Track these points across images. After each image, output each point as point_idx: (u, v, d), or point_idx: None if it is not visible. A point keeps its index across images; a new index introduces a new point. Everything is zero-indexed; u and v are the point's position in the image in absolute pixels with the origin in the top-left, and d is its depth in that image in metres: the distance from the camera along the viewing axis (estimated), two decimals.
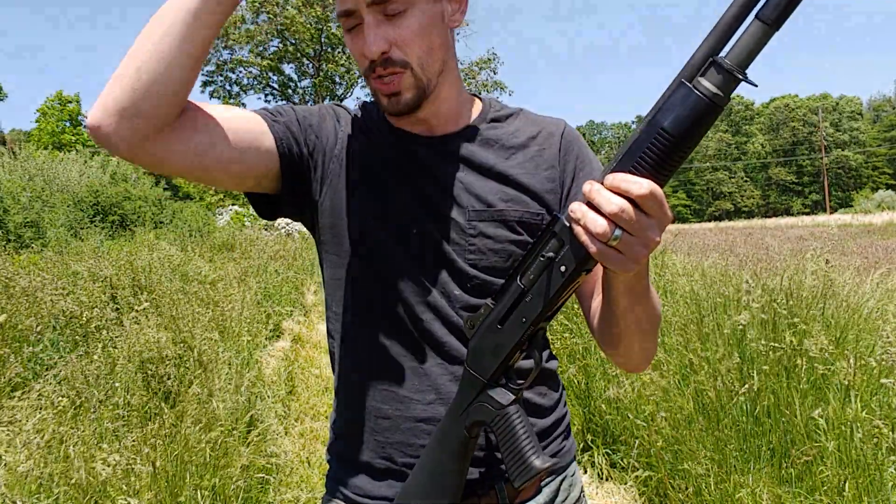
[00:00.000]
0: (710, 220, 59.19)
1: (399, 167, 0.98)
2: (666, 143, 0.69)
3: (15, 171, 16.47)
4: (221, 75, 31.38)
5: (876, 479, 2.30)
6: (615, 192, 0.69)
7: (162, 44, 0.78)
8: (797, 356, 2.83)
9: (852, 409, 2.51)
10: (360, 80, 29.96)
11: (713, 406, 2.97)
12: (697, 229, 25.93)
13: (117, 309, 5.24)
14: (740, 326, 3.26)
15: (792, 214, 60.40)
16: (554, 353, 1.10)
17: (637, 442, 3.31)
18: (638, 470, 3.27)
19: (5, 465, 2.60)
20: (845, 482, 2.36)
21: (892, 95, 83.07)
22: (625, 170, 0.71)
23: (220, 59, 30.74)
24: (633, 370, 0.99)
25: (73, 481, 2.46)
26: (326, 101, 0.90)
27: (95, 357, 3.86)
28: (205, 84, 31.66)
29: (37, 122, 40.15)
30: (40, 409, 3.12)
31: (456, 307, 0.96)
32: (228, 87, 31.79)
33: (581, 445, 3.89)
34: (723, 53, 0.68)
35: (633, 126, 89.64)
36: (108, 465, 2.57)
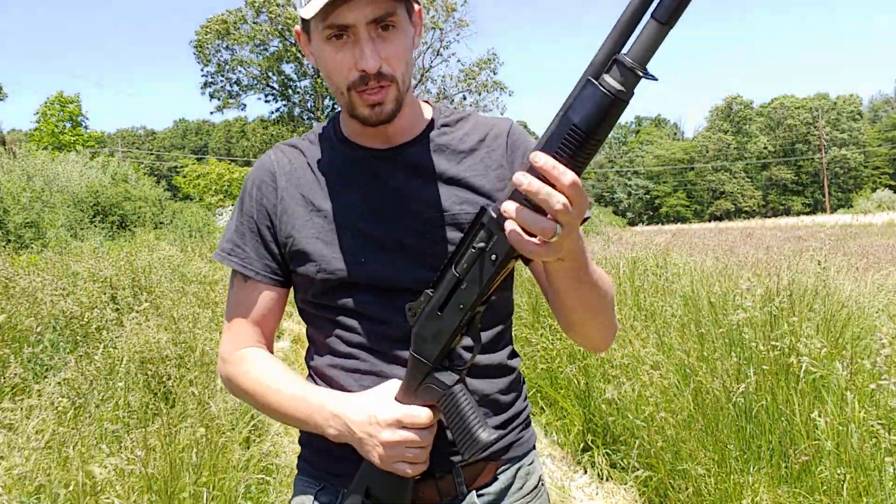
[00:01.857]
0: (710, 220, 59.16)
1: (356, 181, 1.05)
2: (577, 138, 0.74)
3: (14, 171, 16.45)
4: (222, 75, 31.39)
5: (875, 480, 2.30)
6: (543, 180, 0.73)
7: (280, 420, 1.07)
8: (795, 356, 2.83)
9: (850, 409, 2.51)
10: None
11: (713, 406, 2.97)
12: (697, 229, 25.90)
13: (117, 309, 5.24)
14: (735, 326, 3.26)
15: (792, 214, 60.39)
16: (517, 351, 1.17)
17: (637, 442, 3.31)
18: (638, 470, 3.27)
19: (5, 466, 2.60)
20: (844, 482, 2.36)
21: (893, 95, 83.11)
22: (543, 147, 0.75)
23: (221, 59, 30.74)
24: (595, 349, 1.07)
25: (72, 483, 2.46)
26: (251, 180, 1.03)
27: (95, 358, 3.86)
28: (205, 84, 31.68)
29: (37, 122, 40.14)
30: (40, 409, 3.12)
31: None
32: (229, 88, 31.81)
33: (581, 445, 3.89)
34: (624, 51, 0.73)
35: (633, 126, 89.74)
36: (108, 466, 2.57)
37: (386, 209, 1.03)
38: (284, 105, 32.91)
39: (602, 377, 3.92)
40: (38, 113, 39.93)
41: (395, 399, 0.95)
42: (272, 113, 33.68)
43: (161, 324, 4.70)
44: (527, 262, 0.96)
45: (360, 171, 1.05)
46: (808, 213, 59.16)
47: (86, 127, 41.92)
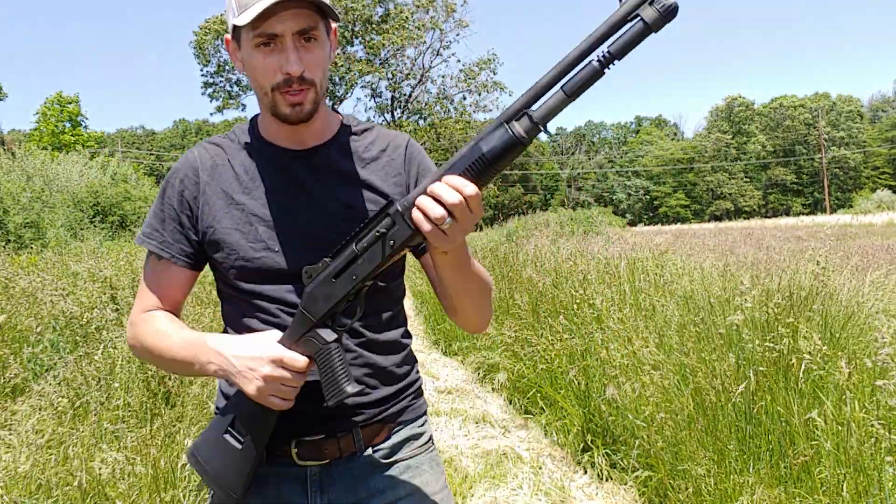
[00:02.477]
0: (710, 221, 59.17)
1: (273, 180, 1.19)
2: (482, 163, 0.94)
3: (13, 171, 16.44)
4: (221, 76, 31.40)
5: (874, 480, 2.30)
6: (452, 189, 0.93)
7: (171, 367, 1.20)
8: (794, 357, 2.83)
9: (849, 409, 2.51)
10: (359, 81, 29.96)
11: (712, 406, 2.98)
12: (697, 229, 25.92)
13: (117, 309, 5.24)
14: (735, 327, 3.26)
15: (792, 214, 60.35)
16: (410, 332, 1.33)
17: (637, 442, 3.31)
18: (638, 470, 3.27)
19: (5, 465, 2.60)
20: (843, 482, 2.36)
21: (892, 95, 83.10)
22: (454, 166, 0.96)
23: (221, 59, 30.75)
24: (474, 331, 1.26)
25: (71, 482, 2.46)
26: (174, 175, 1.23)
27: (95, 358, 3.86)
28: (205, 85, 31.69)
29: (37, 122, 40.12)
30: (40, 409, 3.13)
31: None
32: (228, 88, 31.81)
33: (581, 446, 3.89)
34: (534, 107, 0.93)
35: (633, 126, 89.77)
36: (107, 466, 2.57)
37: (297, 204, 1.18)
38: None
39: (602, 377, 3.92)
40: (37, 113, 39.93)
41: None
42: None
43: None
44: (417, 254, 1.22)
45: (274, 169, 1.20)
46: (807, 214, 59.14)
47: (85, 127, 41.93)
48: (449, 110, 30.86)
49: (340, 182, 1.20)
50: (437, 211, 0.94)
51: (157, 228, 1.20)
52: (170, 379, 3.71)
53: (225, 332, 1.25)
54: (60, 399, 3.21)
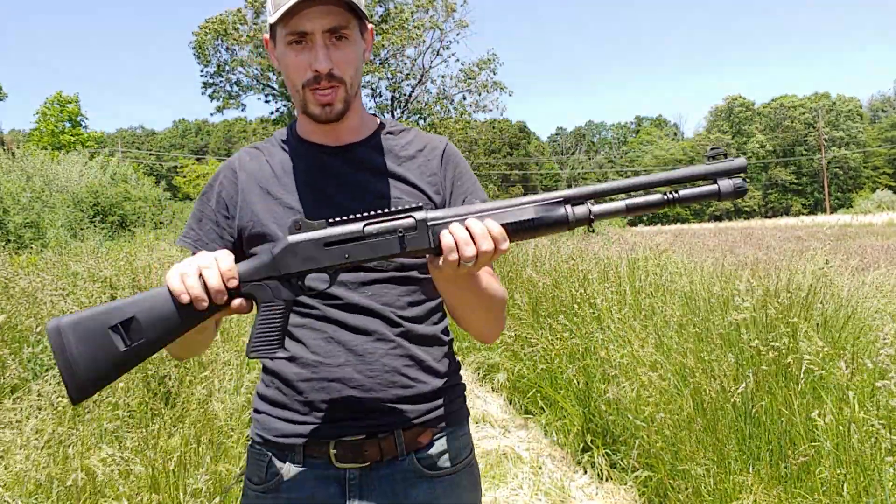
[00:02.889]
0: (709, 221, 59.12)
1: (308, 174, 1.21)
2: (528, 224, 1.00)
3: (12, 171, 16.44)
4: (222, 76, 31.38)
5: (874, 480, 2.30)
6: (490, 237, 0.97)
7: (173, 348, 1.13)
8: (794, 356, 2.83)
9: (850, 409, 2.50)
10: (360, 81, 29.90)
11: (712, 406, 2.97)
12: (697, 229, 25.92)
13: None
14: (734, 326, 3.26)
15: (792, 214, 60.31)
16: (450, 332, 1.29)
17: (637, 442, 3.30)
18: (638, 470, 3.27)
19: (5, 465, 2.60)
20: (844, 482, 2.36)
21: (892, 95, 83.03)
22: (500, 213, 1.01)
23: (221, 59, 30.74)
24: (485, 342, 1.25)
25: (71, 482, 2.46)
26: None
27: None
28: (205, 85, 31.68)
29: (36, 122, 40.12)
30: (40, 409, 3.12)
31: (358, 291, 1.17)
32: (228, 88, 31.80)
33: (581, 446, 3.89)
34: (595, 207, 1.01)
35: (632, 126, 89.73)
36: (107, 466, 2.57)
37: (332, 196, 1.18)
38: (284, 105, 32.88)
39: (602, 377, 3.91)
40: (37, 113, 39.91)
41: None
42: (272, 113, 33.66)
43: None
44: (418, 265, 1.19)
45: (310, 164, 1.22)
46: (807, 214, 59.12)
47: (85, 127, 41.92)
48: (449, 110, 30.85)
49: (375, 176, 1.21)
50: (468, 251, 0.96)
51: (192, 227, 1.24)
52: (170, 379, 3.71)
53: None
54: (60, 399, 3.20)
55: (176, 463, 2.73)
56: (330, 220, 1.02)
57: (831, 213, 53.04)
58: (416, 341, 1.19)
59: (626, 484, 3.37)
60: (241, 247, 1.22)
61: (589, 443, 3.79)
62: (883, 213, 35.40)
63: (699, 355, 3.28)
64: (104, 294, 5.67)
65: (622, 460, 3.50)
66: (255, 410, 1.24)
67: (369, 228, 1.00)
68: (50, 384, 3.42)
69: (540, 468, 3.76)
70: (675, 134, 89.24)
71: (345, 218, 1.02)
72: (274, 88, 32.29)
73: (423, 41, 29.58)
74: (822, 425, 2.52)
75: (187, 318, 0.98)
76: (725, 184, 0.99)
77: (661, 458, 3.07)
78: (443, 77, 31.60)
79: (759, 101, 78.77)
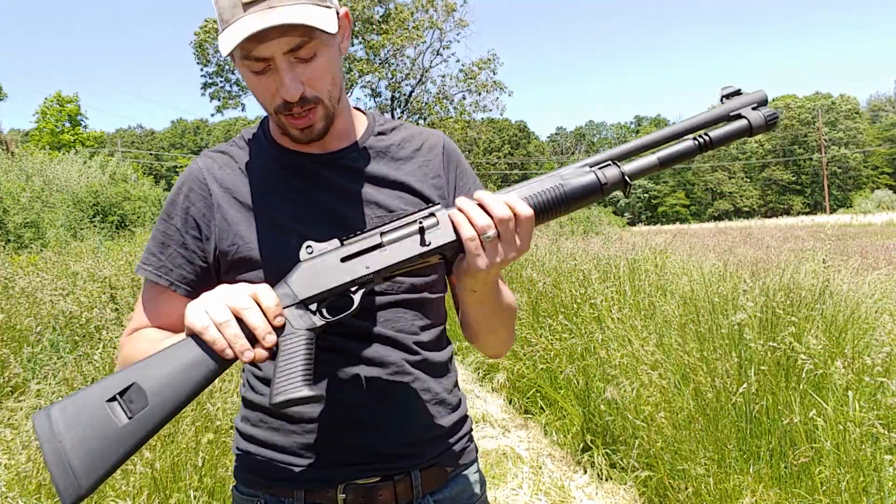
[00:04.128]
0: (709, 221, 59.14)
1: (294, 185, 1.04)
2: (558, 194, 0.91)
3: (11, 170, 16.43)
4: (221, 76, 31.38)
5: (874, 480, 2.30)
6: (504, 203, 0.86)
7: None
8: (795, 356, 2.83)
9: (850, 409, 2.51)
10: (359, 80, 29.94)
11: (712, 406, 2.97)
12: (697, 229, 25.92)
13: (116, 309, 5.23)
14: (736, 326, 3.26)
15: (791, 214, 60.33)
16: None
17: (637, 442, 3.31)
18: (638, 470, 3.27)
19: (5, 465, 2.60)
20: (843, 482, 2.36)
21: (892, 95, 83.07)
22: (521, 195, 0.91)
23: (221, 60, 30.73)
24: (494, 357, 1.15)
25: None
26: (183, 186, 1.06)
27: (95, 357, 3.86)
28: (205, 86, 31.68)
29: (36, 122, 40.11)
30: (40, 409, 3.12)
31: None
32: (228, 88, 31.79)
33: (581, 445, 3.89)
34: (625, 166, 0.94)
35: (632, 126, 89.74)
36: None
37: (331, 212, 1.03)
38: None
39: (601, 378, 3.91)
40: (37, 113, 39.91)
41: None
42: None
43: None
44: (449, 271, 1.08)
45: (299, 175, 1.05)
46: (807, 213, 59.15)
47: (85, 126, 41.91)
48: (449, 110, 30.85)
49: (373, 184, 1.06)
50: (482, 219, 0.86)
51: (154, 253, 1.05)
52: None
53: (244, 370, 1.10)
54: (61, 399, 3.20)
55: (176, 463, 2.73)
56: (343, 239, 0.92)
57: (831, 212, 53.06)
58: (433, 372, 1.08)
59: (626, 484, 3.37)
60: (216, 272, 1.05)
61: (589, 442, 3.79)
62: (883, 212, 35.43)
63: (702, 354, 3.29)
64: (104, 293, 5.67)
65: (622, 460, 3.50)
66: (239, 450, 1.08)
67: (388, 236, 0.90)
68: (50, 384, 3.43)
69: (540, 468, 3.76)
70: None
71: (358, 232, 0.92)
72: None
73: (423, 41, 29.57)
74: (822, 425, 2.53)
75: (210, 372, 0.82)
76: (755, 116, 0.93)
77: (661, 457, 3.07)
78: (443, 77, 31.58)
79: None
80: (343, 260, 0.90)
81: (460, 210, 0.88)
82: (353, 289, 0.90)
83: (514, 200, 0.87)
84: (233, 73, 31.37)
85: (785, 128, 72.25)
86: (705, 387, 3.03)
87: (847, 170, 71.90)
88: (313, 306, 0.89)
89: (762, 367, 2.90)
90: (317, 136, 1.00)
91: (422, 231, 0.89)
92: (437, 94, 31.15)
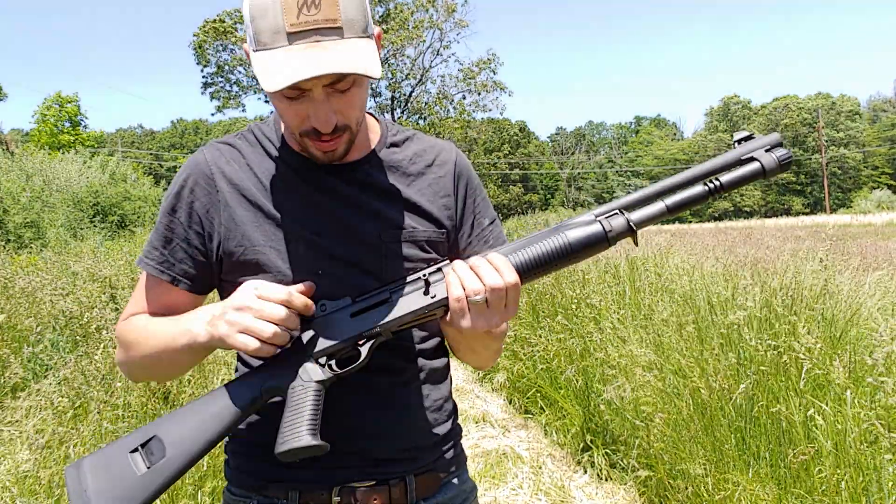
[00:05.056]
0: (709, 221, 59.12)
1: (305, 191, 1.03)
2: (562, 248, 0.90)
3: (11, 170, 16.43)
4: (221, 76, 31.38)
5: (874, 480, 2.30)
6: (495, 269, 0.87)
7: (157, 356, 0.99)
8: (794, 355, 2.83)
9: (849, 408, 2.51)
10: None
11: (710, 406, 2.97)
12: (697, 229, 25.88)
13: (116, 309, 5.23)
14: (735, 326, 3.26)
15: (792, 214, 60.32)
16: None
17: (637, 442, 3.31)
18: (637, 470, 3.27)
19: (6, 464, 2.60)
20: (843, 482, 2.36)
21: (892, 95, 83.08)
22: (519, 250, 0.91)
23: (220, 59, 30.74)
24: (480, 369, 1.19)
25: None
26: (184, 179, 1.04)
27: (95, 357, 3.86)
28: (205, 85, 31.68)
29: (36, 122, 40.12)
30: (40, 409, 3.12)
31: None
32: (228, 88, 31.80)
33: (581, 445, 3.89)
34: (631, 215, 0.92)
35: (632, 126, 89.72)
36: None
37: (339, 222, 1.02)
38: None
39: (601, 378, 3.92)
40: (36, 113, 39.90)
41: (246, 374, 0.96)
42: (272, 113, 33.61)
43: None
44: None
45: (310, 182, 1.03)
46: (807, 213, 59.13)
47: (85, 126, 41.91)
48: (448, 110, 30.85)
49: (384, 199, 1.05)
50: (474, 282, 0.87)
51: (157, 247, 1.04)
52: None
53: (237, 369, 1.10)
54: (61, 399, 3.20)
55: None
56: (355, 297, 0.95)
57: (831, 212, 53.06)
58: (431, 379, 1.09)
59: (625, 484, 3.37)
60: (218, 271, 1.04)
61: (589, 442, 3.79)
62: (882, 212, 35.43)
63: (701, 354, 3.29)
64: (104, 293, 5.67)
65: (622, 460, 3.50)
66: (231, 451, 1.09)
67: (396, 293, 0.94)
68: (50, 384, 3.43)
69: (540, 468, 3.77)
70: (675, 134, 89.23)
71: (368, 292, 0.95)
72: None
73: (423, 41, 29.57)
74: (821, 424, 2.53)
75: (228, 424, 0.90)
76: (768, 158, 0.91)
77: (660, 457, 3.07)
78: (443, 77, 31.59)
79: (760, 102, 78.87)
80: (353, 315, 0.93)
81: (454, 271, 0.89)
82: (360, 342, 0.93)
83: (505, 267, 0.88)
84: (233, 74, 31.38)
85: (785, 128, 72.27)
86: (704, 387, 3.03)
87: (847, 170, 71.91)
88: (322, 360, 0.92)
89: (762, 367, 2.90)
90: (338, 159, 1.00)
91: (427, 284, 0.92)
92: (438, 94, 31.16)
